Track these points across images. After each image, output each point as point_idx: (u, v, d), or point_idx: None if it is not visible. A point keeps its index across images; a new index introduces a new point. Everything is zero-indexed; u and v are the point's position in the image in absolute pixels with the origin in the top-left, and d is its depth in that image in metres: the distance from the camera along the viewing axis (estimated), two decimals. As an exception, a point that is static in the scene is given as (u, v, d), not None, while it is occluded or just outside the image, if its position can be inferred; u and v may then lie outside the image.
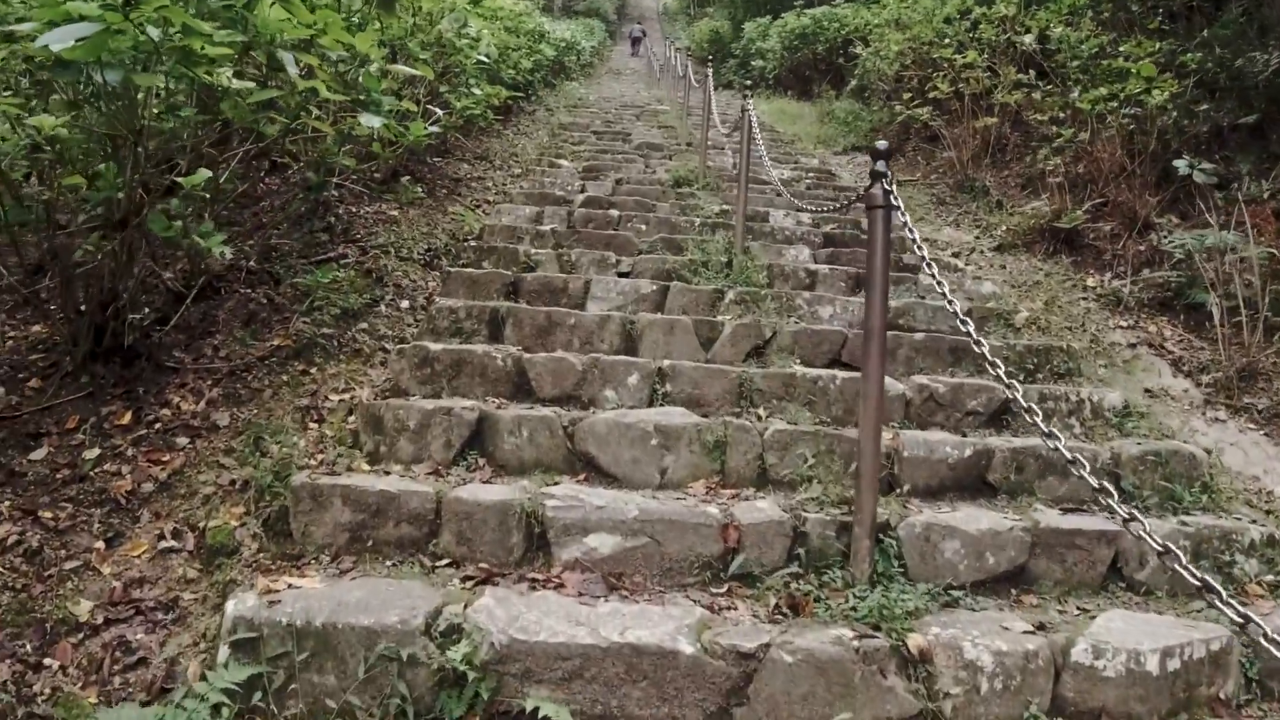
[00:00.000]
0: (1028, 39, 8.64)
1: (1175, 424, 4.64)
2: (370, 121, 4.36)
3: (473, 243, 5.88)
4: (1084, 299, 6.16)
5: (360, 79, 4.79)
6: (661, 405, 3.97)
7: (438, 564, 2.93)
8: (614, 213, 6.73)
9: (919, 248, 2.89)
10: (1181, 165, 6.52)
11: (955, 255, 7.31)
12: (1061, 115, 7.83)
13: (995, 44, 9.22)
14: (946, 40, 9.88)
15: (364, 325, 4.74)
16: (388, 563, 2.97)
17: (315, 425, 3.89)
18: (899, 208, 2.91)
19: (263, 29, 3.75)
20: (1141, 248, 6.62)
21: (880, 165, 2.92)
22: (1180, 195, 6.96)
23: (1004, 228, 7.82)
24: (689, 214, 7.12)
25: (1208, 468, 4.08)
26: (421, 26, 6.92)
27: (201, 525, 3.30)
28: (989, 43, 9.24)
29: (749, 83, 19.38)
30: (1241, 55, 7.14)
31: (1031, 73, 8.81)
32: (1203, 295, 5.62)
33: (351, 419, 3.86)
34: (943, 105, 9.52)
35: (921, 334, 4.85)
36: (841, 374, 4.20)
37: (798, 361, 4.50)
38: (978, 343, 2.65)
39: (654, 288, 5.11)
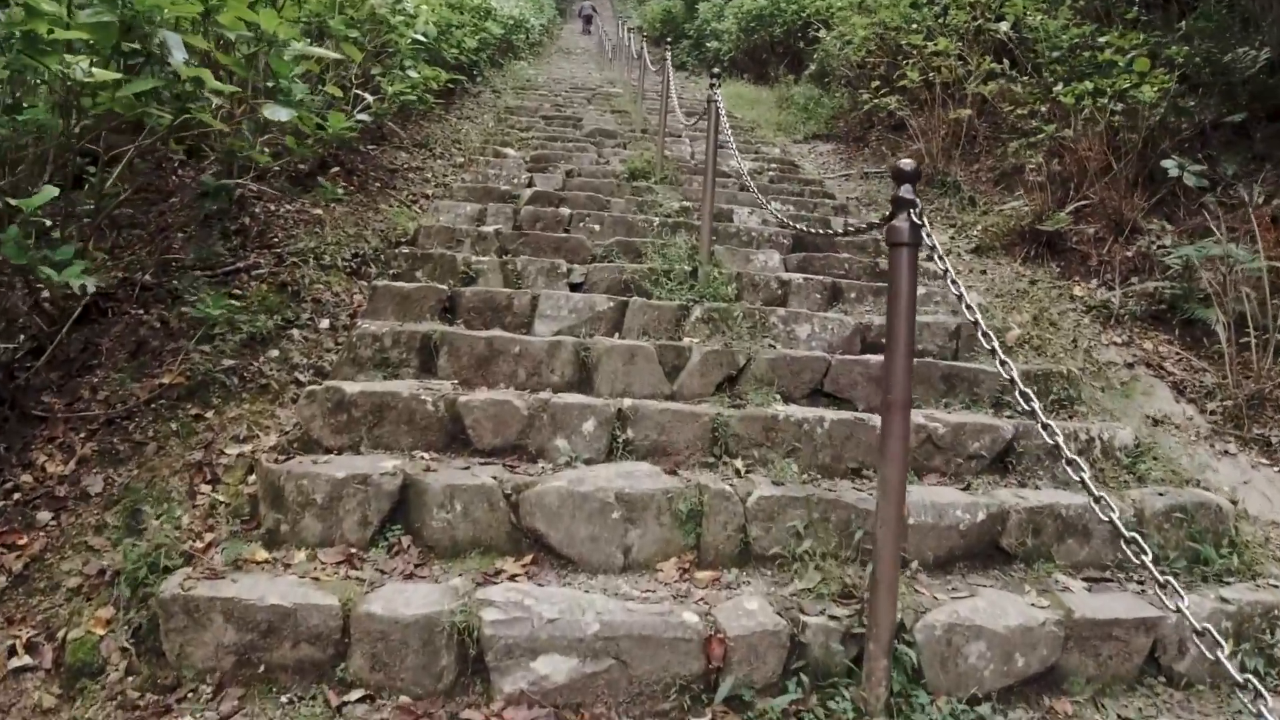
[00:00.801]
0: (1003, 26, 8.12)
1: (1187, 462, 4.16)
2: (277, 114, 3.65)
3: (405, 249, 5.16)
4: (1073, 310, 5.67)
5: (269, 63, 4.06)
6: (622, 457, 3.35)
7: (346, 698, 2.28)
8: (565, 211, 6.05)
9: (951, 281, 2.30)
10: (1171, 166, 6.06)
11: (928, 258, 6.79)
12: (1041, 109, 7.33)
13: (965, 31, 8.69)
14: (914, 26, 9.33)
15: (274, 353, 4.02)
16: (283, 697, 2.30)
17: (207, 488, 3.19)
18: (932, 246, 2.32)
19: (140, 6, 3.01)
20: (1129, 253, 6.16)
21: (906, 190, 2.32)
22: (1167, 197, 6.52)
23: (980, 228, 7.32)
24: (647, 211, 6.48)
25: (1233, 520, 3.60)
26: (351, 1, 6.14)
27: (62, 634, 2.61)
28: (959, 29, 8.71)
29: (704, 65, 18.73)
30: (1229, 50, 6.70)
31: (1005, 62, 8.32)
32: (1202, 311, 5.16)
33: (251, 480, 3.18)
34: (910, 94, 8.98)
35: (915, 360, 4.28)
36: (830, 414, 3.63)
37: (777, 396, 3.91)
38: (1012, 382, 2.11)
39: (610, 304, 4.47)
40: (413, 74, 6.47)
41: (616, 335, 4.38)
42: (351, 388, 3.33)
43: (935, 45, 8.39)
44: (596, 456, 3.34)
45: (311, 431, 3.33)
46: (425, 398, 3.33)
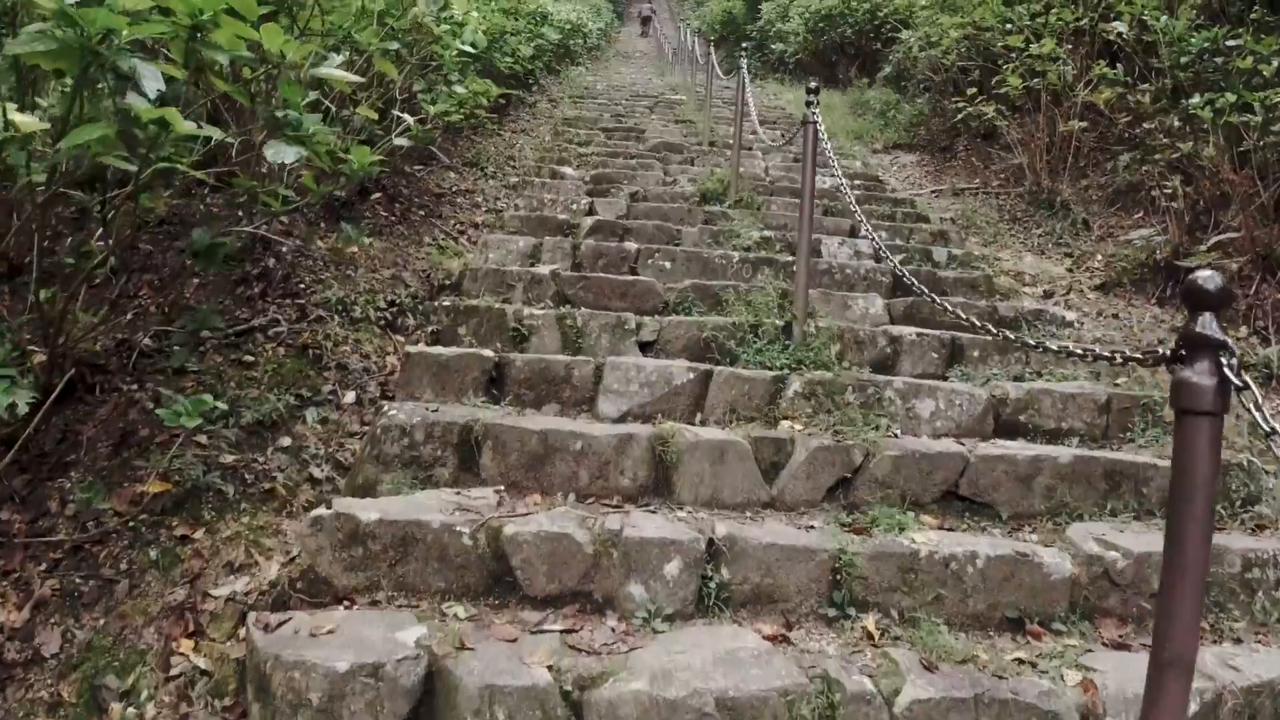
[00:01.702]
0: (1118, 28, 7.08)
1: None
2: (281, 155, 2.91)
3: (448, 299, 4.40)
4: (1236, 369, 4.69)
5: (279, 89, 3.33)
6: (715, 607, 2.53)
7: None
8: (630, 246, 5.23)
9: None
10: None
11: (1048, 295, 5.83)
12: (1172, 122, 6.30)
13: (1066, 32, 7.66)
14: (1010, 26, 8.31)
15: (286, 441, 3.29)
16: None
17: (188, 646, 2.45)
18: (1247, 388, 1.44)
19: (89, 23, 2.28)
20: (1281, 295, 5.15)
21: (1208, 324, 1.44)
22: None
23: (1100, 258, 6.34)
24: (723, 243, 5.63)
25: None
26: (390, 10, 5.41)
27: None
28: (1060, 30, 7.68)
29: (767, 67, 17.76)
30: None
31: (1119, 68, 7.28)
32: None
33: (241, 634, 2.44)
34: (1007, 100, 7.96)
35: (1068, 453, 3.38)
36: (983, 547, 2.75)
37: (905, 505, 3.06)
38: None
39: (690, 375, 3.64)
40: (460, 89, 5.72)
41: (698, 416, 3.56)
42: (368, 514, 2.56)
43: (1039, 47, 7.37)
44: (682, 608, 2.52)
45: (319, 566, 2.57)
46: (461, 529, 2.55)
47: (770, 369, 3.78)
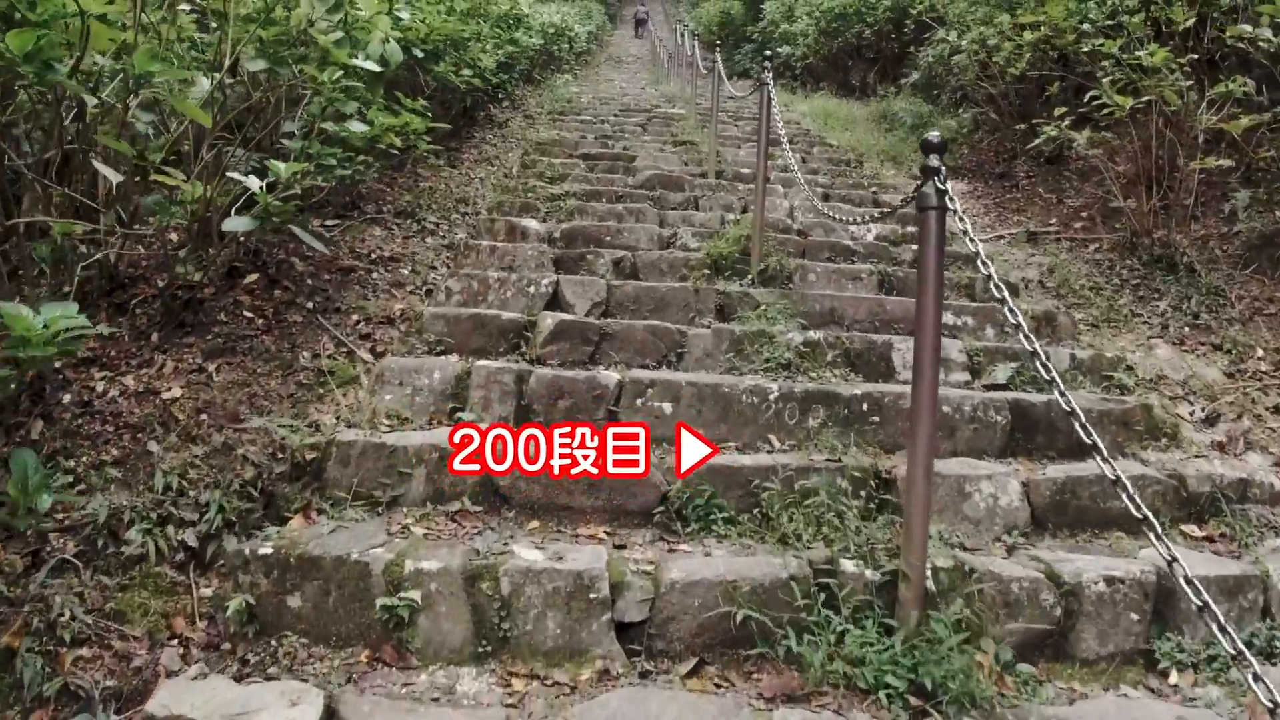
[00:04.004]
0: (1265, 34, 5.10)
1: None
2: None
3: (269, 545, 2.42)
4: None
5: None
6: None
7: None
8: (607, 378, 3.25)
9: None
10: None
11: (1211, 421, 3.88)
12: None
13: (1171, 34, 5.71)
14: (1086, 26, 6.35)
15: None
16: None
17: None
18: None
19: None
20: None
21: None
22: None
23: (1262, 353, 4.41)
24: (750, 355, 3.66)
25: None
26: (253, 13, 3.45)
27: None
28: (1161, 32, 5.74)
29: (771, 72, 15.76)
30: None
31: (1249, 83, 5.33)
32: None
33: None
34: (1088, 120, 5.97)
35: None
36: None
37: None
38: None
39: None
40: (357, 126, 3.76)
41: None
42: None
43: (1149, 57, 5.37)
44: None
45: None
46: None
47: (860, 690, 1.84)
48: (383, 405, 3.14)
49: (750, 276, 4.54)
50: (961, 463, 3.00)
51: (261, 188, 3.10)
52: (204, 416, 3.10)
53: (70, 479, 2.58)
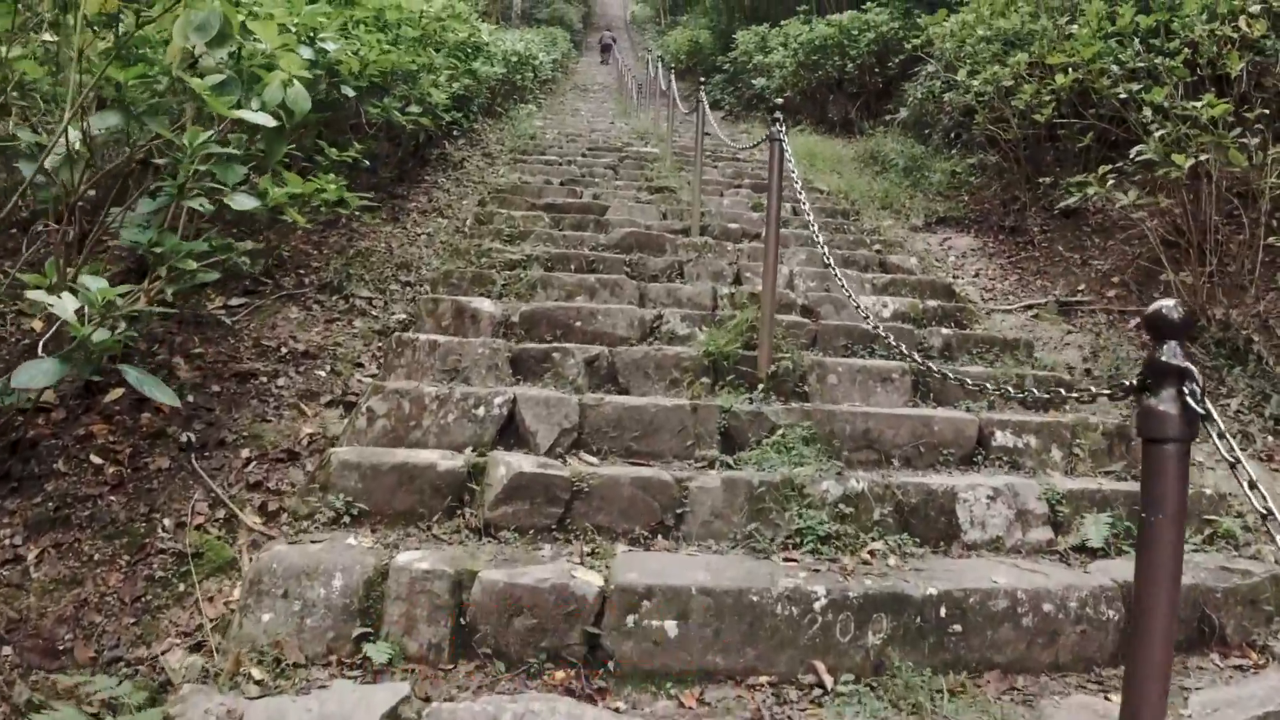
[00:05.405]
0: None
1: None
2: None
3: None
4: None
5: None
6: None
7: None
8: (585, 584, 2.27)
9: None
10: None
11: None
12: None
13: (1214, 79, 4.93)
14: (1117, 65, 5.52)
15: None
16: None
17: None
18: None
19: None
20: None
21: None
22: None
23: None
24: (774, 517, 2.70)
25: None
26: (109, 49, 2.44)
27: None
28: (1205, 74, 4.94)
29: (744, 105, 14.94)
30: None
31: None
32: None
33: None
34: (1123, 173, 5.13)
35: None
36: None
37: None
38: None
39: None
40: (243, 201, 2.73)
41: None
42: None
43: (1206, 108, 4.52)
44: None
45: None
46: None
47: None
48: (258, 632, 2.11)
49: (762, 388, 3.57)
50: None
51: (77, 315, 2.07)
52: (4, 652, 2.06)
53: None
